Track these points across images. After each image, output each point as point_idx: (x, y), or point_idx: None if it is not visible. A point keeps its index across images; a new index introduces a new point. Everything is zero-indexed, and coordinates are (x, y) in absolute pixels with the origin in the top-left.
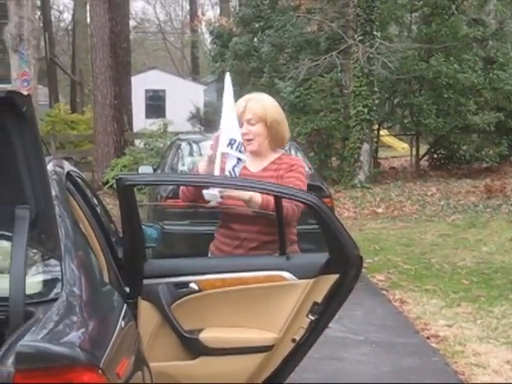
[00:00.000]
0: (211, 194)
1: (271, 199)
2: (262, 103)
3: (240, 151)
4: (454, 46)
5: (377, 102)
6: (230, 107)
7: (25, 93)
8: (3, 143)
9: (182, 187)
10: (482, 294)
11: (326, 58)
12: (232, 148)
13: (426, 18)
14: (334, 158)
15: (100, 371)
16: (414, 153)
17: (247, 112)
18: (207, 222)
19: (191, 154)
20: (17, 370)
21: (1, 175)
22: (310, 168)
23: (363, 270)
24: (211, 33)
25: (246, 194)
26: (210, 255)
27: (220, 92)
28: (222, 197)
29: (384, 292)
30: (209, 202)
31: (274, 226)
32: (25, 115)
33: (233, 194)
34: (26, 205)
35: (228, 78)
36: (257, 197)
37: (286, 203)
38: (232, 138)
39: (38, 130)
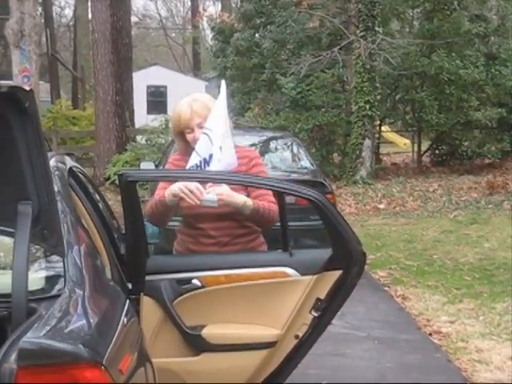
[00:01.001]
0: (210, 200)
1: (260, 201)
2: (205, 104)
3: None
4: (456, 41)
5: (378, 97)
6: (220, 118)
7: (27, 88)
8: (5, 139)
9: (149, 204)
10: (484, 291)
11: (327, 54)
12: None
13: (428, 14)
14: (335, 154)
15: (103, 368)
16: (416, 149)
17: (195, 117)
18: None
19: None
20: (19, 366)
21: (3, 171)
22: (311, 164)
23: (365, 267)
24: (213, 29)
25: (240, 201)
26: (174, 253)
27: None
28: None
29: (386, 288)
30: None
31: (242, 218)
32: (27, 111)
33: (229, 199)
34: (29, 201)
35: (223, 85)
36: (249, 201)
37: (264, 202)
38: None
39: (40, 126)
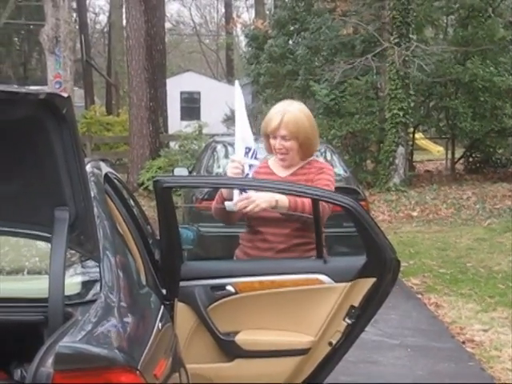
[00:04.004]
0: (229, 206)
1: (299, 200)
2: (296, 120)
3: (256, 158)
4: (491, 48)
5: (412, 104)
6: (242, 115)
7: (65, 95)
8: (43, 144)
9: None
10: None
11: (361, 61)
12: (248, 157)
13: (462, 21)
14: (369, 161)
15: (138, 372)
16: (450, 156)
17: (282, 129)
18: (243, 225)
19: (226, 156)
20: (56, 370)
21: (41, 177)
22: (345, 171)
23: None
24: (246, 35)
25: (272, 201)
26: (234, 259)
27: (255, 94)
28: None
29: (419, 296)
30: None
31: (304, 229)
32: (65, 117)
33: (251, 204)
34: (66, 206)
35: (238, 86)
36: (284, 200)
37: (304, 199)
38: (247, 147)
39: (77, 132)
